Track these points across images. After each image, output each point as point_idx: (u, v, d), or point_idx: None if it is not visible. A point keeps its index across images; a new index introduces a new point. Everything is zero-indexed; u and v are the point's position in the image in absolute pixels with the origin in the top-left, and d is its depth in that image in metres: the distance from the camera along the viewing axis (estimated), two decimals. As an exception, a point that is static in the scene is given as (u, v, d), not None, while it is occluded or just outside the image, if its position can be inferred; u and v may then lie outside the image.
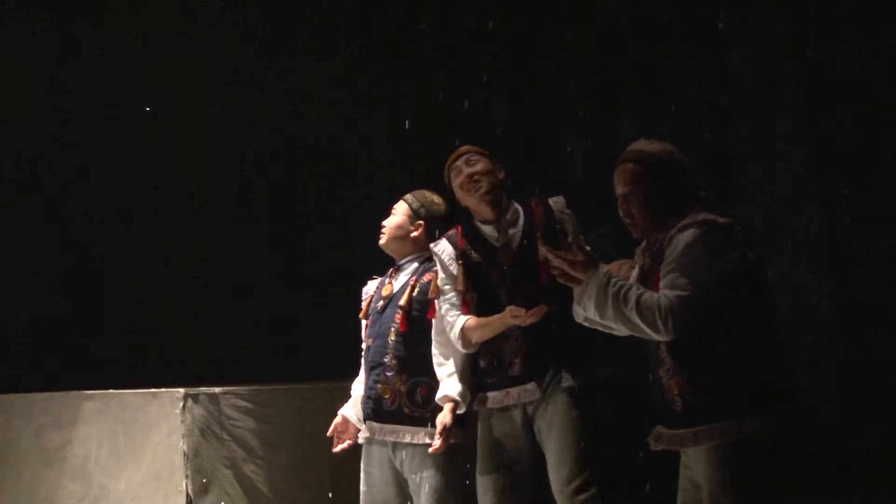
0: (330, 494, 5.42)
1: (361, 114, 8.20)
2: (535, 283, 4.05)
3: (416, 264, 4.47)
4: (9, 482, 5.88)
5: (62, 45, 7.87)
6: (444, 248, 4.28)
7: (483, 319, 4.13)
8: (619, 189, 3.44)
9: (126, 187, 7.92)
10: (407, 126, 6.95)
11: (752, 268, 3.28)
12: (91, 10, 7.91)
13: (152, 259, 7.88)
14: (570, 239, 3.43)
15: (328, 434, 4.57)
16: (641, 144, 3.48)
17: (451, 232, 4.31)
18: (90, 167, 7.91)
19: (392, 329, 4.36)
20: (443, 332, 4.25)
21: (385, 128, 8.17)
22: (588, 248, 3.38)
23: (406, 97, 7.86)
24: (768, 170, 7.08)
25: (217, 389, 5.43)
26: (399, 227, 4.49)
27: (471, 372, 4.22)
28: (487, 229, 4.24)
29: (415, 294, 4.36)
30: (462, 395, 4.16)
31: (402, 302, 4.36)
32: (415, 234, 4.47)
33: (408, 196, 4.55)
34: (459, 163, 4.26)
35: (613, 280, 3.29)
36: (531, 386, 4.09)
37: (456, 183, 4.27)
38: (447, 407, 4.15)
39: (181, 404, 5.30)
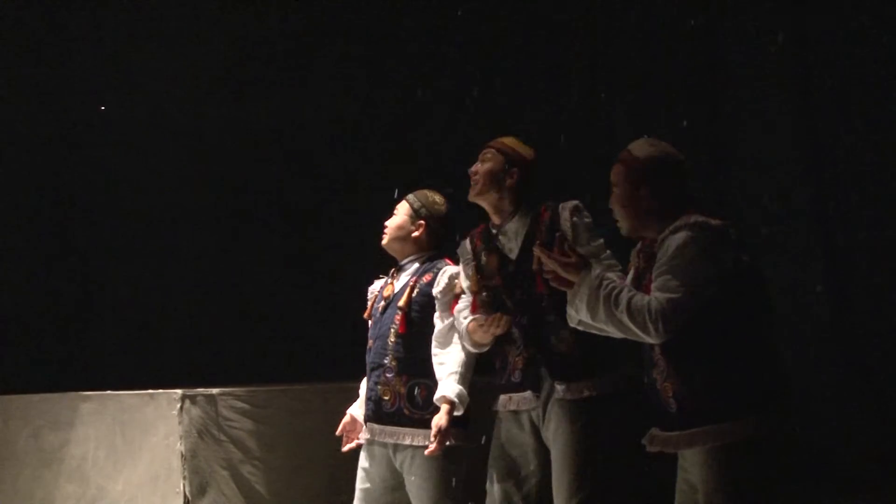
0: (328, 495, 5.41)
1: (361, 114, 8.20)
2: (534, 291, 3.97)
3: (416, 265, 4.44)
4: (6, 483, 5.87)
5: (62, 44, 7.86)
6: (463, 247, 4.24)
7: (478, 322, 4.07)
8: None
9: (123, 188, 7.91)
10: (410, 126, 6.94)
11: (746, 270, 3.26)
12: (91, 10, 7.90)
13: (149, 260, 7.87)
14: (564, 245, 3.39)
15: (337, 433, 4.53)
16: (634, 145, 3.48)
17: (474, 231, 4.25)
18: (88, 167, 7.90)
19: (392, 330, 4.34)
20: (443, 331, 4.22)
21: (386, 127, 8.17)
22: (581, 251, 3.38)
23: (406, 97, 7.87)
24: (765, 170, 7.08)
25: (214, 390, 5.42)
26: (400, 227, 4.46)
27: (472, 373, 4.18)
28: (496, 232, 4.17)
29: (414, 295, 4.34)
30: (459, 396, 4.13)
31: (400, 303, 4.33)
32: (416, 234, 4.45)
33: (409, 196, 4.52)
34: (480, 156, 4.17)
35: (605, 282, 3.28)
36: (529, 395, 4.04)
37: None
38: (443, 408, 4.12)
39: (178, 405, 5.28)
